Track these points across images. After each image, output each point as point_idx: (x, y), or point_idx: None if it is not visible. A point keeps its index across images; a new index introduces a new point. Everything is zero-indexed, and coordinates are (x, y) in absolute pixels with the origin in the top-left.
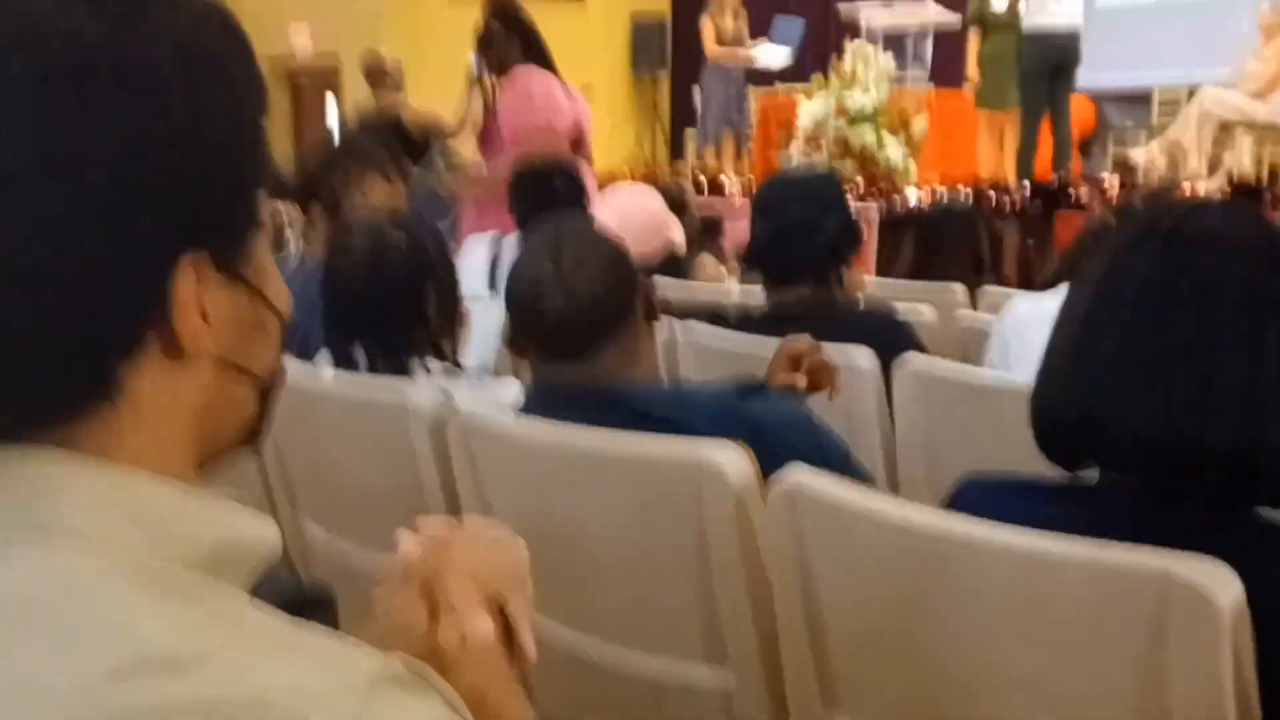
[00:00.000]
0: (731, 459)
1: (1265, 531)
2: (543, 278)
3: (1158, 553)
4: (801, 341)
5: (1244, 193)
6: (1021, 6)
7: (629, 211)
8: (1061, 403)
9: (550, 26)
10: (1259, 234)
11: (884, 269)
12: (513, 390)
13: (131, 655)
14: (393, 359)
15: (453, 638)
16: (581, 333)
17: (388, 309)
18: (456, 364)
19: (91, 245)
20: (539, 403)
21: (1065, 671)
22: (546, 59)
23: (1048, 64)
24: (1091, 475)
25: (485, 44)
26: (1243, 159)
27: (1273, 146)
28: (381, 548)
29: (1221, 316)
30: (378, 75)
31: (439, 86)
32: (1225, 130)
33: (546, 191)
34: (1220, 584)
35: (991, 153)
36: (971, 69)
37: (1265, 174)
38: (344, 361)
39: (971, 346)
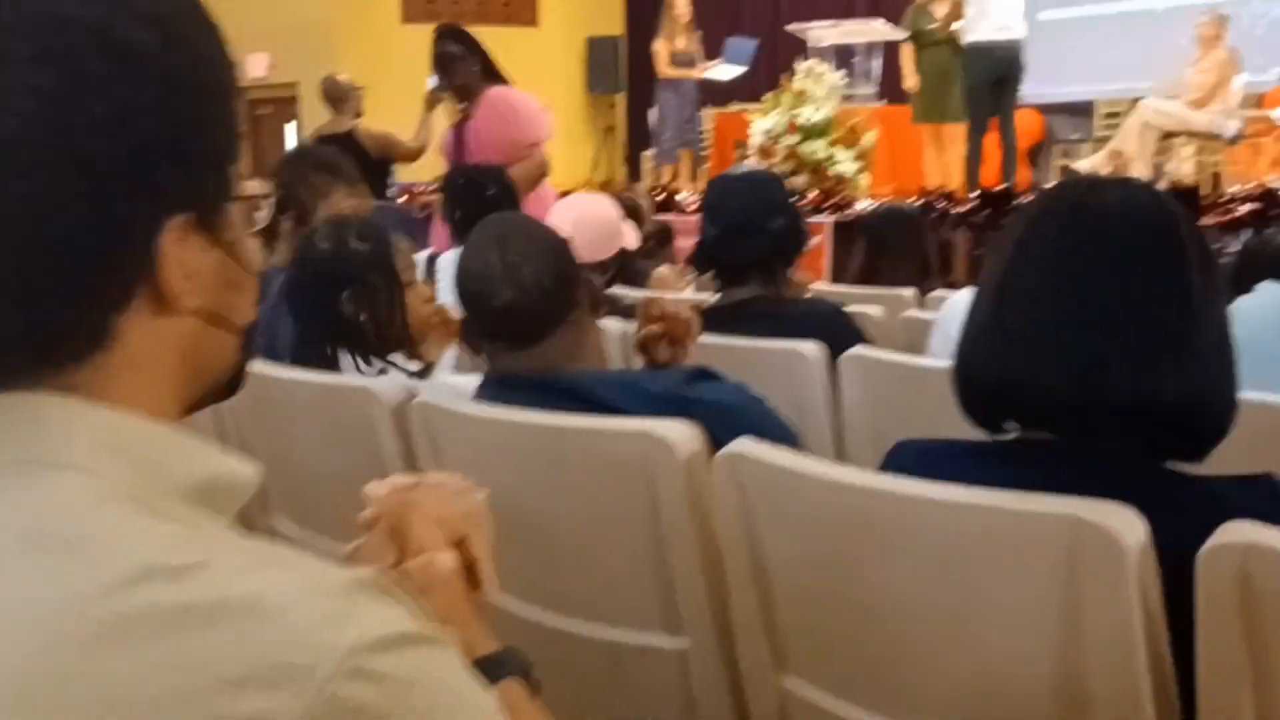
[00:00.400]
0: (680, 433)
1: (1169, 480)
2: (490, 271)
3: (1069, 500)
4: (654, 302)
5: (1182, 196)
6: (958, 22)
7: (584, 217)
8: (979, 364)
9: (506, 48)
10: (1152, 204)
11: (838, 279)
12: (470, 381)
13: (132, 568)
14: (357, 359)
15: (417, 570)
16: (530, 322)
17: (350, 311)
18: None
19: (85, 205)
20: (493, 390)
21: (989, 613)
22: (504, 79)
23: (992, 76)
24: (1012, 435)
25: (445, 67)
26: (1183, 167)
27: (1212, 155)
28: (349, 536)
29: (1119, 279)
30: (336, 99)
31: (396, 108)
32: (1166, 139)
33: (481, 197)
34: (1126, 526)
35: (936, 164)
36: (909, 82)
37: (1208, 180)
38: (309, 364)
39: (917, 342)
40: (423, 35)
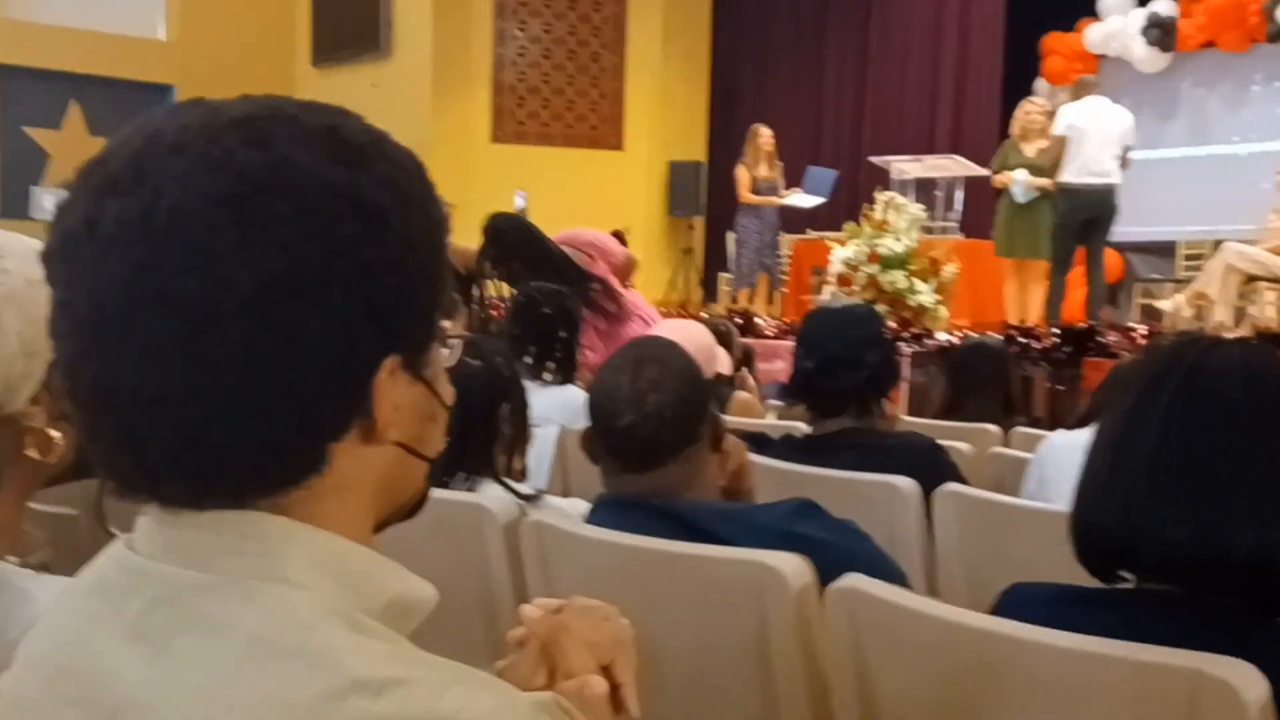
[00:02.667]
0: (792, 564)
1: None
2: (618, 392)
3: (1191, 653)
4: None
5: (1269, 340)
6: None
7: (683, 341)
8: (1099, 517)
9: (591, 171)
10: (1269, 364)
11: (915, 408)
12: (579, 506)
13: (343, 680)
14: (473, 477)
15: (572, 692)
16: (645, 447)
17: (466, 432)
18: (522, 481)
19: (325, 349)
20: (605, 512)
21: None
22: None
23: (1082, 216)
24: (1129, 584)
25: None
26: (1266, 311)
27: None
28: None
29: (1237, 441)
30: None
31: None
32: (1249, 284)
33: (538, 317)
34: (1247, 682)
35: (1018, 298)
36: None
37: None
38: (438, 481)
39: (1006, 481)
40: (510, 155)
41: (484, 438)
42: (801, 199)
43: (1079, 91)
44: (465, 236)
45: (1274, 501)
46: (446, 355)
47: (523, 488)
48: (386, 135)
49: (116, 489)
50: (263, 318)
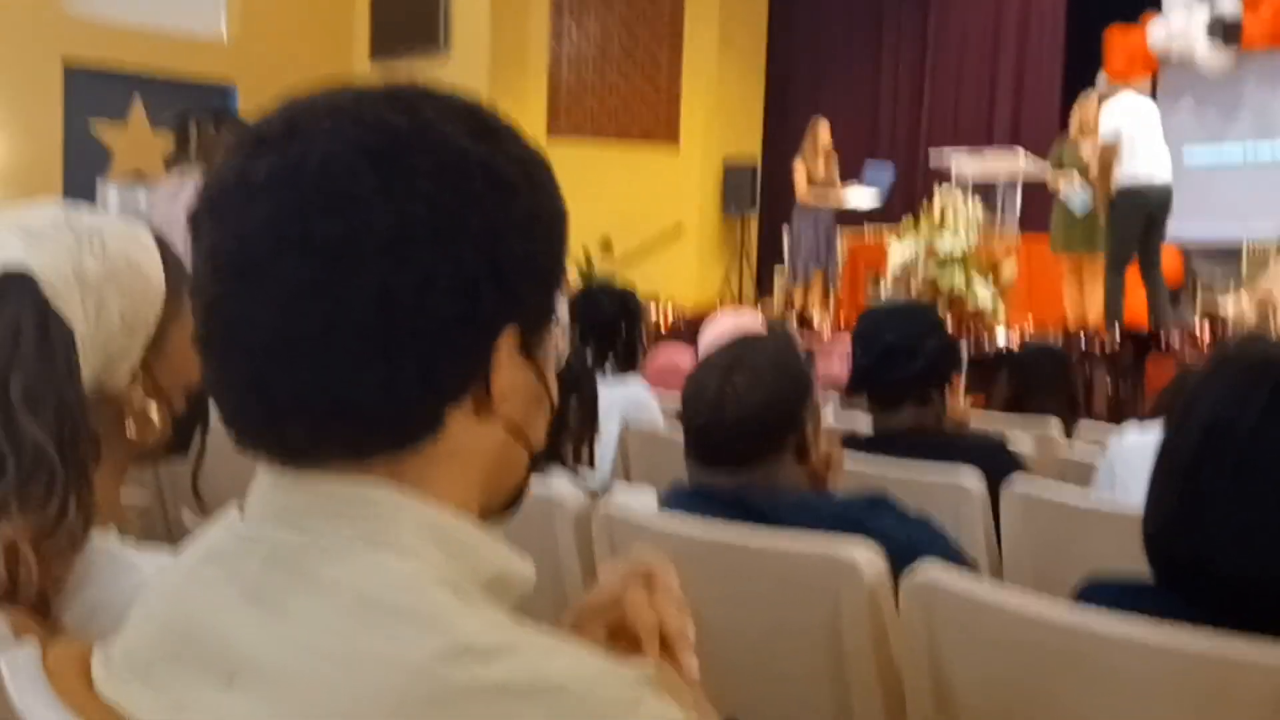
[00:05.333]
0: (865, 555)
1: None
2: (704, 393)
3: (1273, 648)
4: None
5: None
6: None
7: (736, 334)
8: (1171, 539)
9: (644, 167)
10: None
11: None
12: (649, 495)
13: (454, 644)
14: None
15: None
16: (719, 451)
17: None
18: (591, 468)
19: (454, 301)
20: (676, 500)
21: None
22: None
23: (1141, 215)
24: None
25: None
26: None
27: None
28: None
29: None
30: None
31: None
32: None
33: (598, 312)
34: None
35: (1076, 299)
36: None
37: None
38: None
39: (1070, 477)
40: (566, 150)
41: (554, 428)
42: (858, 196)
43: (1109, 91)
44: None
45: None
46: (558, 343)
47: (592, 478)
48: (520, 128)
49: (238, 438)
50: (397, 262)
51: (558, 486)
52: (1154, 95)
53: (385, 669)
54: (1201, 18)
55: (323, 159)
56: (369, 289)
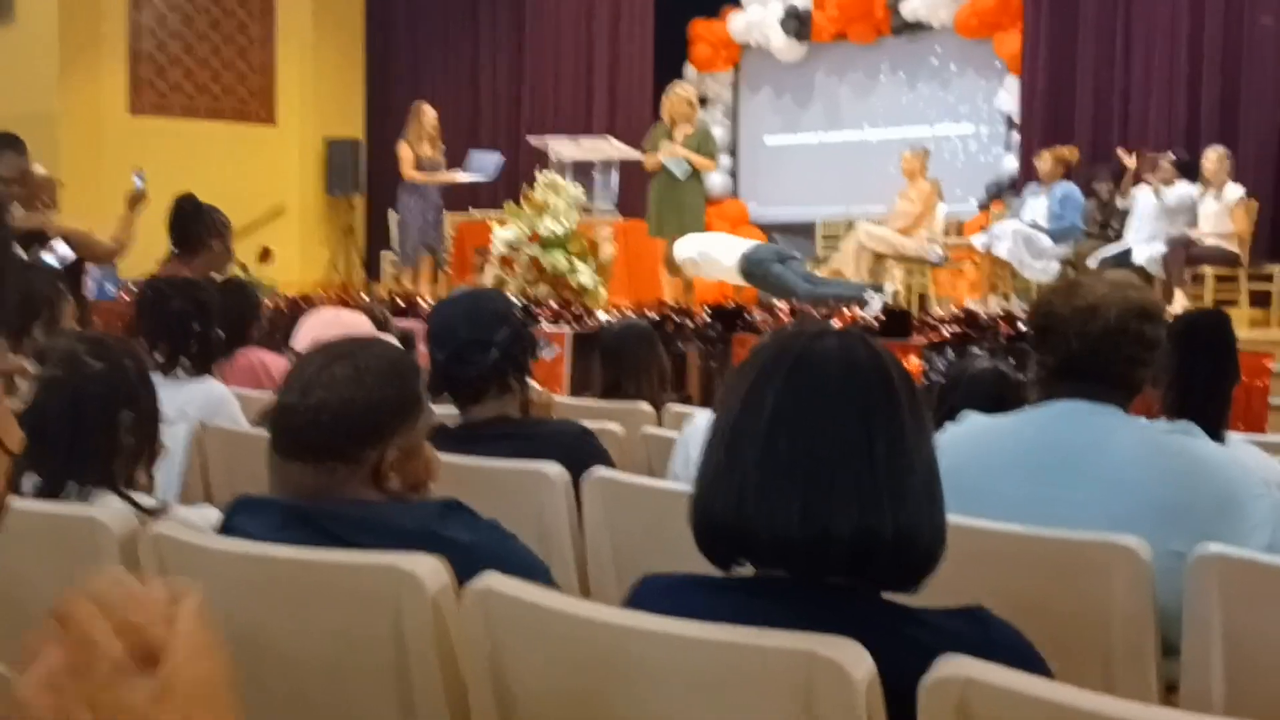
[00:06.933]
0: (427, 567)
1: (890, 613)
2: (299, 373)
3: (803, 635)
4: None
5: (896, 317)
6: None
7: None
8: (715, 507)
9: (242, 148)
10: (868, 354)
11: (578, 389)
12: (210, 514)
13: None
14: (87, 489)
15: None
16: (301, 433)
17: (79, 440)
18: (150, 491)
19: None
20: (238, 516)
21: None
22: None
23: None
24: (748, 571)
25: None
26: (896, 288)
27: (919, 277)
28: None
29: (839, 428)
30: (28, 191)
31: (121, 203)
32: (879, 261)
33: (165, 310)
34: (854, 660)
35: (671, 278)
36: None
37: (915, 301)
38: (49, 492)
39: (657, 459)
40: (151, 128)
41: (102, 446)
42: (466, 177)
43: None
44: (97, 213)
45: (872, 486)
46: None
47: (146, 500)
48: None
49: None
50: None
51: (101, 507)
52: (735, 85)
53: None
54: (776, 10)
55: None
56: None
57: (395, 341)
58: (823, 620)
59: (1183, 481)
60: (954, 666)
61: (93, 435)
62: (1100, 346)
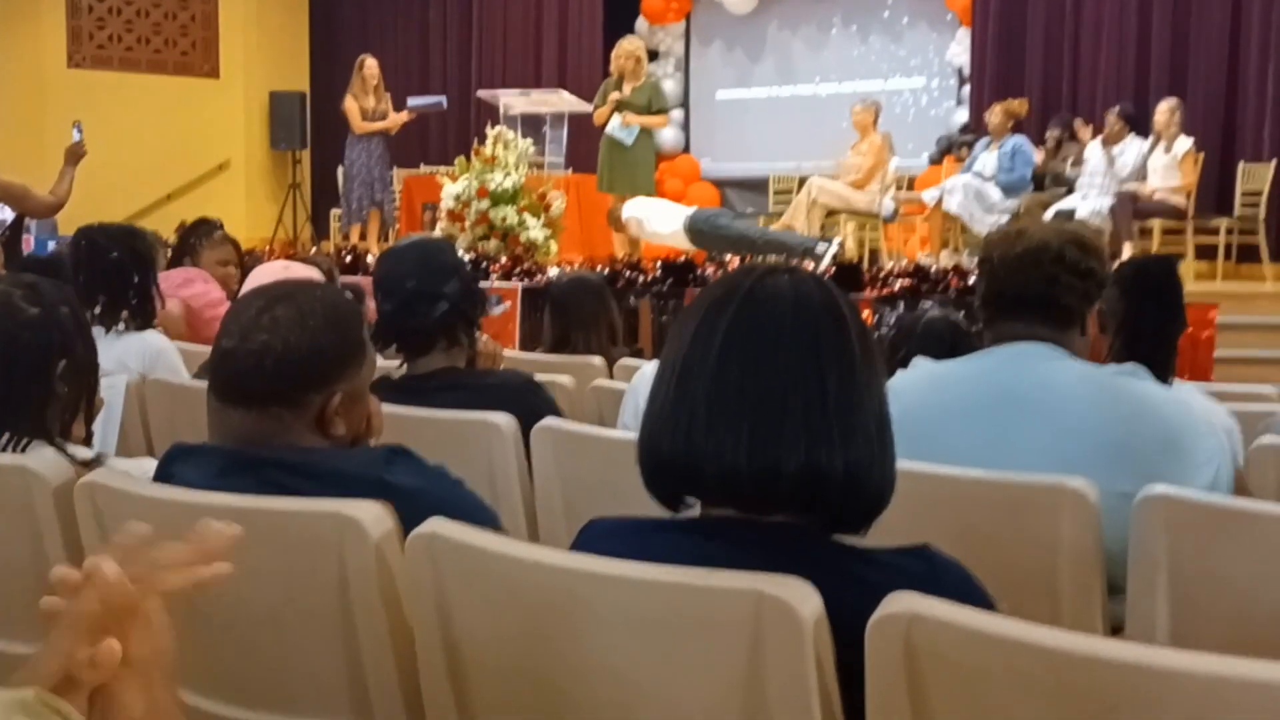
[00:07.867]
0: (371, 513)
1: (838, 552)
2: (238, 316)
3: (751, 574)
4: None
5: (846, 270)
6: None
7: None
8: (662, 443)
9: (185, 101)
10: (819, 291)
11: (529, 344)
12: (148, 466)
13: None
14: (21, 439)
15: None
16: (242, 377)
17: (13, 389)
18: (88, 444)
19: None
20: (175, 464)
21: (680, 684)
22: None
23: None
24: (696, 511)
25: None
26: (847, 242)
27: (871, 231)
28: (10, 625)
29: (789, 363)
30: None
31: (60, 157)
32: (831, 216)
33: (104, 260)
34: (802, 598)
35: (620, 232)
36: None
37: (867, 256)
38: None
39: (608, 412)
40: (90, 81)
41: (36, 396)
42: (412, 106)
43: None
44: (36, 169)
45: (822, 422)
46: None
47: (82, 451)
48: None
49: None
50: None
51: (36, 458)
52: (687, 38)
53: None
54: None
55: None
56: None
57: None
58: (770, 560)
59: (1129, 423)
60: (900, 602)
61: (27, 384)
62: (1024, 267)
